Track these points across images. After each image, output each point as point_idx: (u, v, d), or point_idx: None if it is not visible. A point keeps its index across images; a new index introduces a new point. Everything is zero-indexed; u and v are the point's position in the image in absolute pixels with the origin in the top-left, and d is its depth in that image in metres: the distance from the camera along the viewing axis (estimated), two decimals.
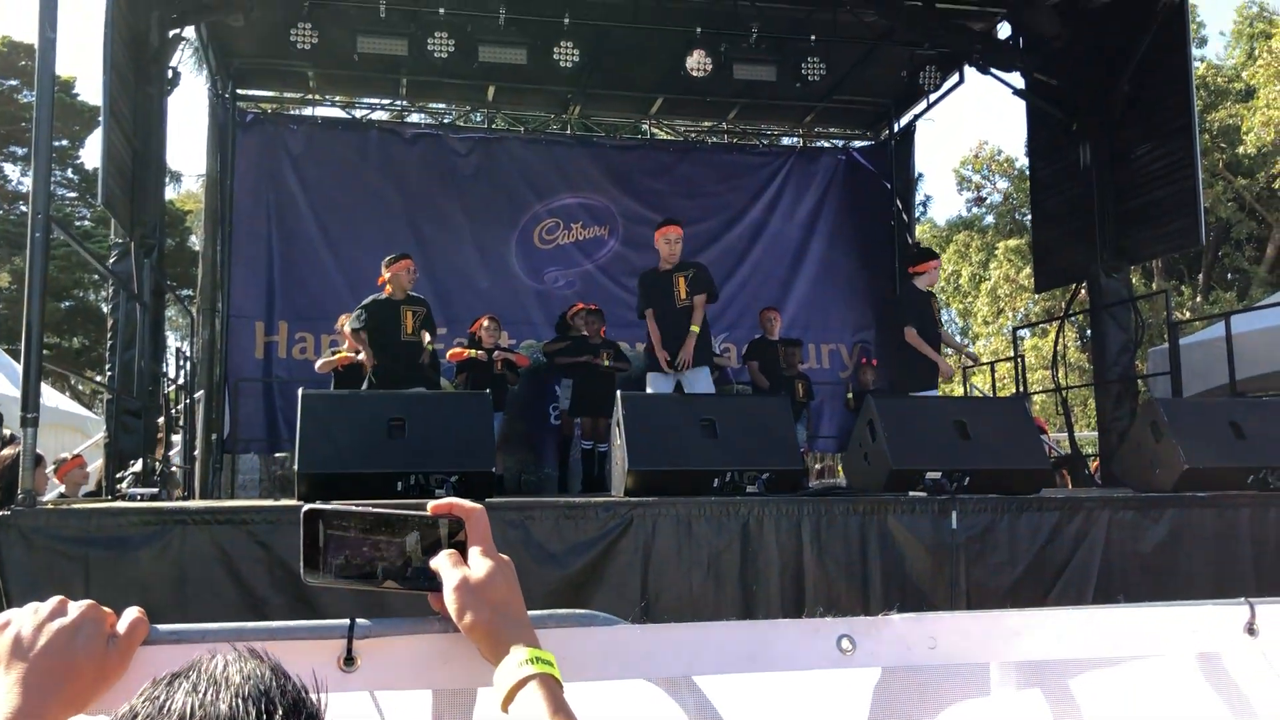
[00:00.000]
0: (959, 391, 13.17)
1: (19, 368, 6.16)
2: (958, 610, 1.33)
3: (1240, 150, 19.88)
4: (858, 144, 12.62)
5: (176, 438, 8.95)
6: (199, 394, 9.53)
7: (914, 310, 7.35)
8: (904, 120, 12.14)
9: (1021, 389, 11.16)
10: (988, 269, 25.60)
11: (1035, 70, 9.20)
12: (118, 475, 6.41)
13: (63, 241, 19.81)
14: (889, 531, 4.88)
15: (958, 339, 24.50)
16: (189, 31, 8.82)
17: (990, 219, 26.85)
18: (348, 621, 1.10)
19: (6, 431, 5.86)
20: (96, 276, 23.78)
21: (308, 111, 11.89)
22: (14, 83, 25.40)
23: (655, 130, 14.11)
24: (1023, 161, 20.14)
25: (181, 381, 8.77)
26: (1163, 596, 2.90)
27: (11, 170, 26.46)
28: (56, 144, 24.50)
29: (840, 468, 12.49)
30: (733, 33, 9.27)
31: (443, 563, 1.08)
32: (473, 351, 9.23)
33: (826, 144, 12.87)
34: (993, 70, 9.49)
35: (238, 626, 1.08)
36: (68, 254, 21.94)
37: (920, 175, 27.29)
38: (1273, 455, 5.58)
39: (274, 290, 10.60)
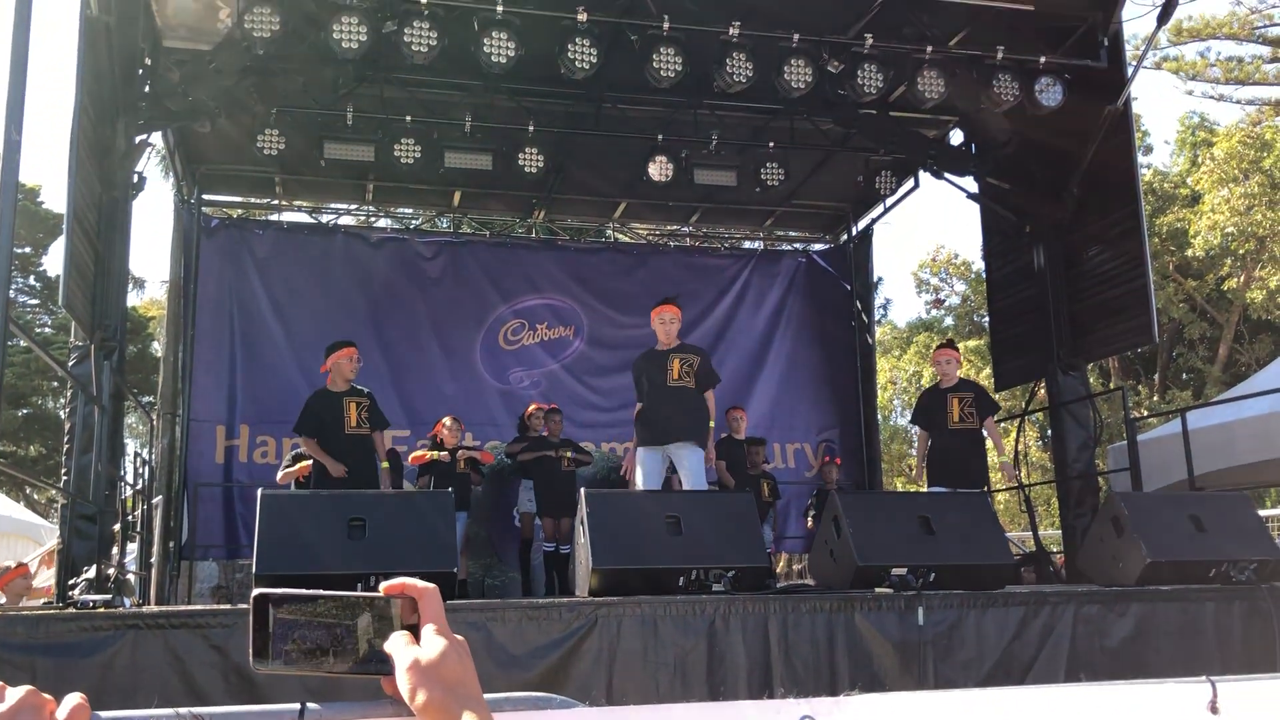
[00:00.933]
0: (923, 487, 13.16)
1: None
2: None
3: (1189, 253, 20.42)
4: (817, 246, 12.83)
5: (132, 545, 8.75)
6: (157, 499, 9.35)
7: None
8: (862, 224, 12.38)
9: (984, 487, 11.18)
10: None
11: (988, 175, 9.44)
12: (70, 582, 6.24)
13: (23, 348, 19.68)
14: (856, 629, 4.85)
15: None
16: (155, 137, 8.88)
17: (950, 320, 27.25)
18: (298, 706, 1.07)
19: None
20: (55, 383, 23.53)
21: (274, 216, 11.95)
22: None
23: (619, 235, 14.30)
24: (979, 265, 20.55)
25: (140, 486, 8.61)
26: None
27: None
28: (19, 250, 24.40)
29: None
30: (694, 139, 9.49)
31: (395, 644, 1.05)
32: (435, 453, 9.18)
33: (787, 246, 13.09)
34: (946, 175, 9.71)
35: (186, 711, 1.05)
36: (26, 360, 21.71)
37: (879, 279, 27.77)
38: (1234, 548, 5.63)
39: (235, 393, 10.48)
